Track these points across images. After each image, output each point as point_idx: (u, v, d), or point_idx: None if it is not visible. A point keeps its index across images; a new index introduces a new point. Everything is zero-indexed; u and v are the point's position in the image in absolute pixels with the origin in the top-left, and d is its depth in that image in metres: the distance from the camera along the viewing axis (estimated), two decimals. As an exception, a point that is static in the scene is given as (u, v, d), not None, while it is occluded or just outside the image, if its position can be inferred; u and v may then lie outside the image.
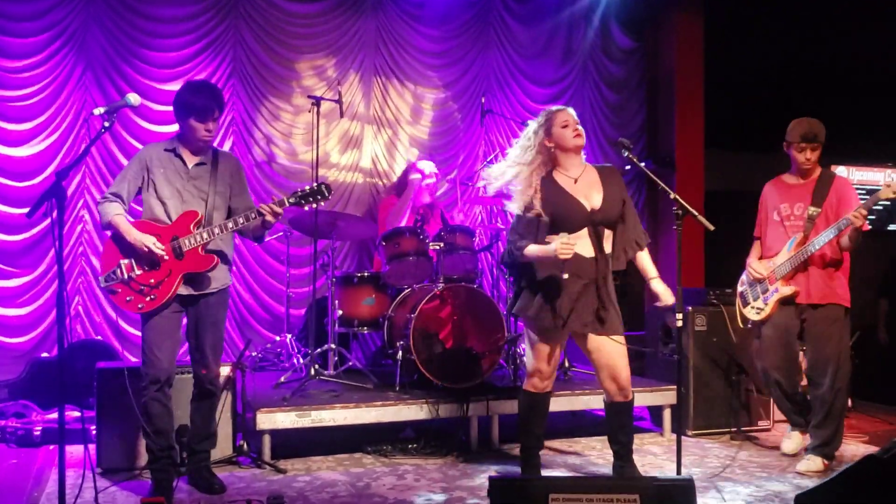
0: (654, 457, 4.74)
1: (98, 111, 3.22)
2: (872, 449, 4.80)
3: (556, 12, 7.27)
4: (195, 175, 3.86)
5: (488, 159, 6.42)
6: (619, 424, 3.98)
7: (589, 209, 3.78)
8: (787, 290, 4.47)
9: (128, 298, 3.76)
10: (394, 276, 5.44)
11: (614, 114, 7.62)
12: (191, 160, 3.87)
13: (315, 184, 3.82)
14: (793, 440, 4.69)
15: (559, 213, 3.76)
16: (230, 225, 3.76)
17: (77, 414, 4.79)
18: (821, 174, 4.51)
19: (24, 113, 5.84)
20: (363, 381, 5.16)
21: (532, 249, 3.72)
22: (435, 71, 6.98)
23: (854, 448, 4.97)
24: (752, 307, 4.63)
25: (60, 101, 5.92)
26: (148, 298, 3.73)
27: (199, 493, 3.90)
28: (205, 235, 3.74)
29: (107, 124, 3.24)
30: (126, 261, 3.75)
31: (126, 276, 3.73)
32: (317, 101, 5.54)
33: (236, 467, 4.38)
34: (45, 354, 5.65)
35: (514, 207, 3.87)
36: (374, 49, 6.78)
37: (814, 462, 4.37)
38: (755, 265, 4.63)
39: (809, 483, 4.07)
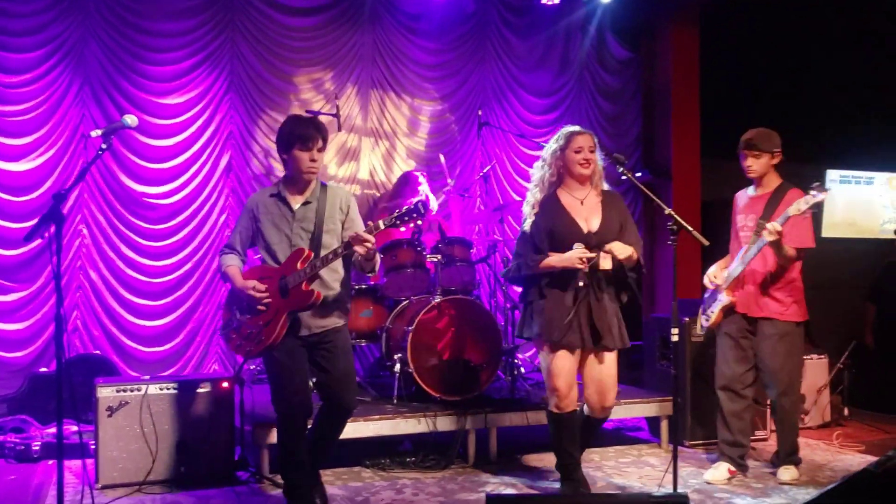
0: (651, 468, 4.74)
1: (95, 133, 3.22)
2: (868, 459, 4.82)
3: (552, 23, 7.31)
4: (301, 217, 3.75)
5: (485, 170, 6.45)
6: (589, 442, 4.20)
7: (586, 231, 3.89)
8: (725, 299, 4.48)
9: (238, 344, 3.76)
10: (391, 288, 5.45)
11: (611, 124, 7.65)
12: (296, 201, 3.77)
13: (411, 203, 3.56)
14: (719, 471, 4.44)
15: (557, 231, 3.90)
16: (329, 257, 3.62)
17: (75, 429, 4.79)
18: (778, 186, 4.46)
19: (22, 128, 5.84)
20: (361, 393, 5.15)
21: (551, 260, 3.85)
22: (432, 83, 7.01)
23: (850, 458, 4.98)
24: (705, 315, 4.64)
25: (58, 116, 5.93)
26: (256, 342, 3.68)
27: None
28: (307, 270, 3.62)
29: (104, 146, 3.24)
30: (237, 308, 3.77)
31: (237, 322, 3.75)
32: (314, 116, 5.55)
33: (234, 482, 4.38)
34: (43, 369, 5.64)
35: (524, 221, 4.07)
36: (372, 62, 6.81)
37: (792, 471, 4.45)
38: (710, 271, 4.61)
39: (805, 495, 4.08)
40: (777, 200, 4.38)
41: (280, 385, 3.70)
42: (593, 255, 3.79)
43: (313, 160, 3.69)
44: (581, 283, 3.81)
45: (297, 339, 3.71)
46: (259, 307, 3.67)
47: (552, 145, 4.02)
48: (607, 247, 3.82)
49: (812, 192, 4.07)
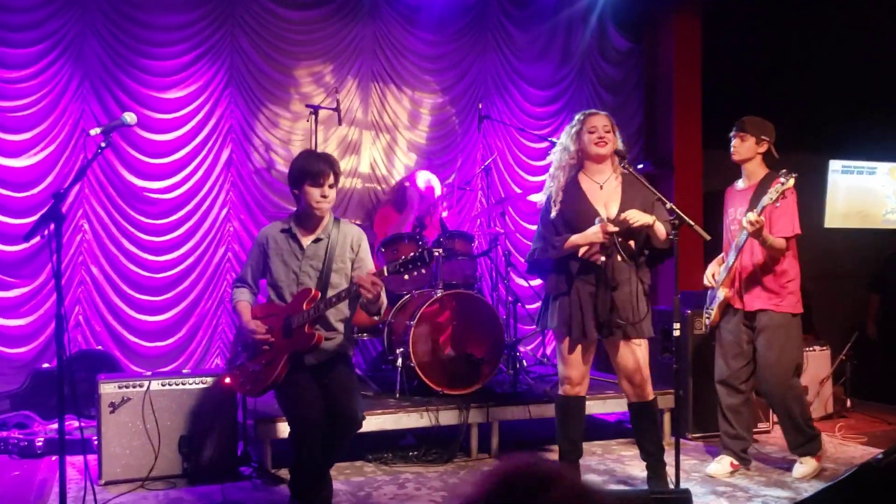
0: (654, 461, 4.74)
1: (94, 132, 3.21)
2: (871, 450, 4.83)
3: (553, 14, 7.26)
4: (311, 254, 3.74)
5: (486, 163, 6.44)
6: (641, 428, 4.03)
7: (604, 217, 3.82)
8: (721, 296, 4.46)
9: (241, 382, 3.77)
10: (393, 283, 5.42)
11: (612, 115, 7.58)
12: (306, 238, 3.76)
13: (418, 251, 3.47)
14: (721, 464, 4.46)
15: (574, 218, 3.86)
16: (333, 300, 3.58)
17: (78, 424, 4.80)
18: (764, 177, 4.39)
19: (22, 124, 5.81)
20: (364, 387, 5.15)
21: (574, 238, 3.79)
22: (432, 76, 6.98)
23: (853, 450, 4.98)
24: (707, 313, 4.61)
25: (57, 111, 5.90)
26: (257, 381, 3.68)
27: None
28: (311, 312, 3.60)
29: (103, 144, 3.22)
30: (242, 346, 3.80)
31: (241, 360, 3.78)
32: (315, 110, 5.54)
33: (238, 477, 4.39)
34: (46, 365, 5.64)
35: (540, 201, 4.05)
36: (372, 55, 6.78)
37: (808, 465, 4.40)
38: (708, 271, 4.58)
39: (808, 488, 4.09)
40: (763, 191, 4.28)
41: (293, 404, 3.67)
42: (617, 226, 3.72)
43: (324, 196, 3.67)
44: (603, 259, 3.75)
45: (303, 366, 3.70)
46: (263, 347, 3.68)
47: (569, 129, 3.99)
48: (623, 215, 3.74)
49: (780, 181, 4.04)
